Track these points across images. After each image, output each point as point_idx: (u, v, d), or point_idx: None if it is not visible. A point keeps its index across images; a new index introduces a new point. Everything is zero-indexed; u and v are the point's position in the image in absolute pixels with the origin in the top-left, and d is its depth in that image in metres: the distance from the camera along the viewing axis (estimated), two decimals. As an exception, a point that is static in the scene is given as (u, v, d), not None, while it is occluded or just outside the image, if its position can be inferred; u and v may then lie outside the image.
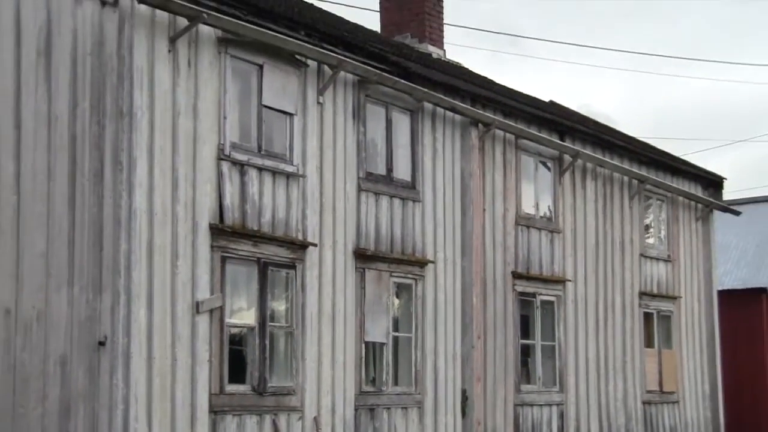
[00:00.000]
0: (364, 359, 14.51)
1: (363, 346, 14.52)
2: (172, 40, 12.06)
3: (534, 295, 18.02)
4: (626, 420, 20.06)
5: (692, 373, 22.36)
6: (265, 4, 13.47)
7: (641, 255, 20.97)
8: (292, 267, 13.49)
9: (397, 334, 15.25)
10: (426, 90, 15.63)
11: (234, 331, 12.78)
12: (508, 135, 17.58)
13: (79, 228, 11.60)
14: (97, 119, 11.62)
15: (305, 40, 13.68)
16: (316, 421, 13.59)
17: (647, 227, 21.42)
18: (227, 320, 12.53)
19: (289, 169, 13.54)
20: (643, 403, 20.61)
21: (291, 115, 13.66)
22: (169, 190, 11.91)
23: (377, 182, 15.04)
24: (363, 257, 14.59)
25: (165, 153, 11.89)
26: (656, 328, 21.24)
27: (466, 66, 20.60)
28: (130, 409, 11.25)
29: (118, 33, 11.58)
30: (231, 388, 12.49)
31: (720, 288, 23.92)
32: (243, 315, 12.95)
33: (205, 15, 12.11)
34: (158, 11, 11.87)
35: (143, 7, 11.68)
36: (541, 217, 18.41)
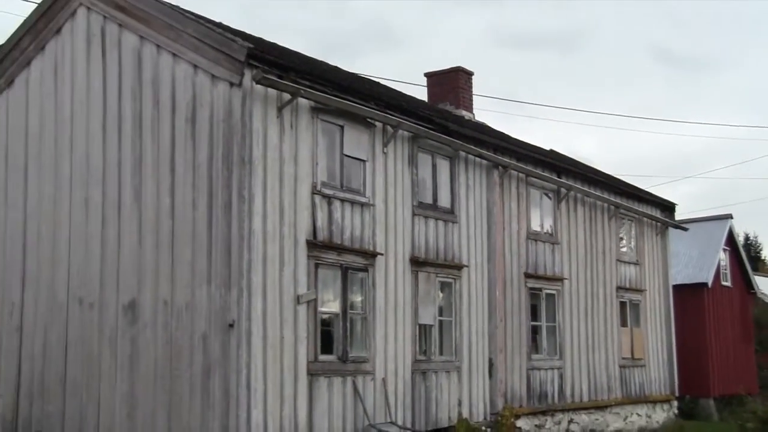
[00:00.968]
0: (417, 336, 14.25)
1: (417, 327, 14.25)
2: (280, 109, 11.96)
3: (540, 289, 17.68)
4: (608, 379, 19.63)
5: (654, 344, 21.87)
6: (345, 83, 13.36)
7: (617, 260, 20.55)
8: (366, 270, 13.28)
9: (441, 318, 14.96)
10: (461, 142, 15.42)
11: (324, 316, 12.60)
12: (520, 174, 17.28)
13: (214, 243, 11.51)
14: (227, 166, 11.53)
15: (374, 107, 13.53)
16: (384, 381, 13.34)
17: (621, 239, 21.00)
18: (319, 309, 12.36)
19: (363, 200, 13.35)
20: (620, 366, 20.16)
21: (364, 161, 13.49)
22: (278, 216, 11.79)
23: (426, 209, 14.79)
24: (416, 263, 14.34)
25: (274, 190, 11.77)
26: (629, 312, 20.83)
27: (489, 125, 20.36)
28: (251, 373, 11.14)
29: (241, 105, 11.51)
30: (322, 357, 12.30)
31: (674, 283, 23.57)
32: (330, 305, 12.77)
33: (302, 91, 12.01)
34: (269, 89, 11.80)
35: (259, 87, 11.61)
36: (545, 233, 18.08)
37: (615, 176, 22.34)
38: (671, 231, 23.39)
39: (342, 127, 13.11)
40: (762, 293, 33.52)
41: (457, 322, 15.23)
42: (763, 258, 58.48)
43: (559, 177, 18.51)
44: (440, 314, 14.95)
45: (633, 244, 21.45)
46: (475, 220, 15.99)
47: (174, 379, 11.69)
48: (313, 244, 12.28)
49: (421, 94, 20.03)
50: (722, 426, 22.34)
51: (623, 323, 20.55)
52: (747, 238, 58.27)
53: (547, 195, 18.31)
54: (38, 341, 13.49)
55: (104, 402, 12.41)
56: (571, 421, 18.12)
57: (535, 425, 16.98)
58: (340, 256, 12.76)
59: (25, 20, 14.19)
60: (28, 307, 13.74)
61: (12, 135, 14.38)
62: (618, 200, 20.60)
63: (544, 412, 17.29)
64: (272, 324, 11.50)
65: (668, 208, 23.31)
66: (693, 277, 26.24)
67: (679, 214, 24.59)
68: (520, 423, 16.25)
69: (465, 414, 15.00)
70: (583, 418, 18.59)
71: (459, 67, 19.85)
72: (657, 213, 22.68)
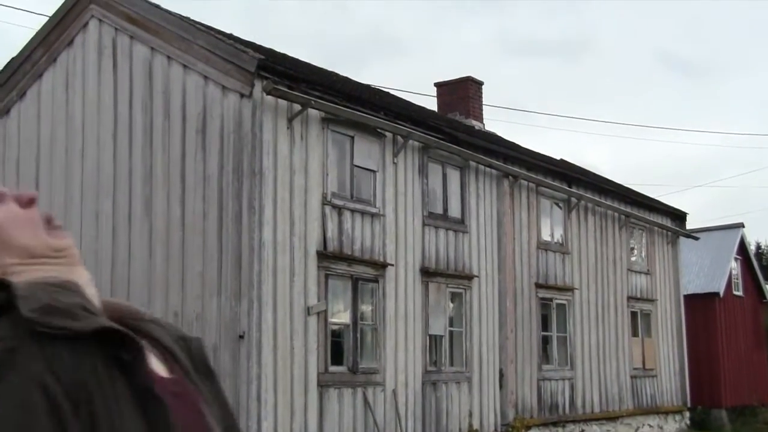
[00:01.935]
0: (428, 347, 14.20)
1: (427, 337, 14.21)
2: (290, 120, 11.96)
3: (551, 299, 17.60)
4: (618, 389, 19.51)
5: (666, 355, 21.74)
6: (355, 93, 13.35)
7: (628, 269, 20.44)
8: (376, 281, 13.25)
9: (452, 328, 14.91)
10: (471, 152, 15.39)
11: (334, 327, 12.58)
12: (530, 184, 17.24)
13: (225, 254, 11.51)
14: (237, 177, 11.54)
15: (384, 118, 13.52)
16: (394, 392, 13.30)
17: (632, 249, 20.91)
18: (330, 319, 12.34)
19: (373, 210, 13.33)
20: (631, 377, 20.03)
21: (374, 172, 13.48)
22: (288, 227, 11.79)
23: (437, 219, 14.77)
24: (427, 273, 14.31)
25: (285, 200, 11.77)
26: (640, 322, 20.71)
27: (499, 134, 20.32)
28: (261, 384, 11.12)
29: (252, 116, 11.52)
30: (333, 368, 12.27)
31: (685, 293, 23.43)
32: (341, 315, 12.75)
33: (312, 102, 12.01)
34: (280, 100, 11.81)
35: (270, 98, 11.62)
36: (555, 243, 18.01)
37: (625, 185, 22.28)
38: (682, 240, 23.28)
39: (352, 138, 13.10)
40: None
41: (468, 333, 15.18)
42: (774, 267, 58.18)
43: (569, 186, 18.45)
44: (451, 325, 14.91)
45: (644, 253, 21.35)
46: (486, 230, 15.94)
47: (184, 391, 11.67)
48: (324, 255, 12.26)
49: (430, 104, 20.06)
50: (735, 437, 22.19)
51: (634, 333, 20.44)
52: (758, 247, 58.00)
53: (557, 204, 18.26)
54: (49, 352, 13.51)
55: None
56: (582, 432, 18.03)
57: (546, 436, 16.90)
58: (350, 267, 12.73)
59: (37, 33, 14.27)
60: (39, 318, 13.76)
61: (24, 147, 14.44)
62: (629, 209, 20.51)
63: (555, 423, 17.20)
64: (282, 335, 11.48)
65: (679, 217, 23.20)
66: (704, 287, 26.09)
67: (690, 223, 24.52)
68: (531, 434, 16.17)
69: (476, 425, 14.93)
70: (594, 429, 18.49)
71: (469, 76, 19.84)
72: (668, 222, 22.58)
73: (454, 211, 15.27)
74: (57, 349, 1.03)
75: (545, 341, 17.41)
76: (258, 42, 14.42)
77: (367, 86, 16.87)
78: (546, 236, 17.71)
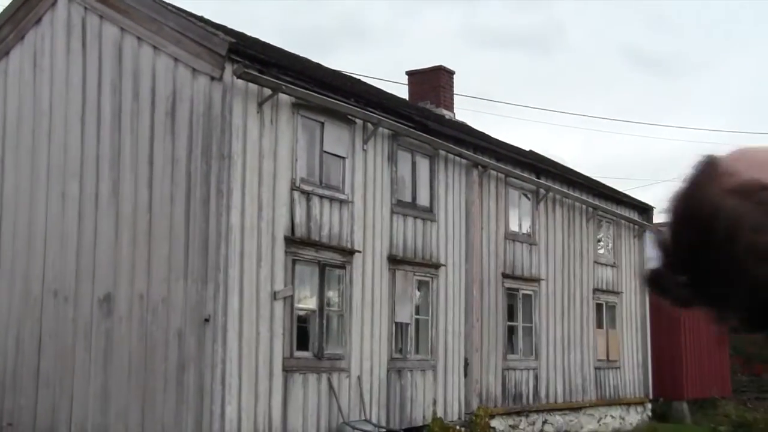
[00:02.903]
0: (394, 334, 14.32)
1: (393, 325, 14.33)
2: (260, 105, 11.98)
3: (517, 290, 17.78)
4: (582, 380, 19.77)
5: (629, 347, 22.05)
6: (326, 79, 13.39)
7: (594, 262, 20.68)
8: (343, 267, 13.33)
9: (418, 316, 15.05)
10: (440, 141, 15.48)
11: (300, 313, 12.65)
12: (499, 174, 17.38)
13: (192, 238, 11.52)
14: (206, 160, 11.55)
15: (355, 105, 13.57)
16: (359, 379, 13.41)
17: (599, 241, 21.17)
18: (296, 305, 12.41)
19: (342, 197, 13.40)
20: (595, 368, 20.30)
21: (343, 158, 13.54)
22: (256, 211, 11.82)
23: (405, 207, 14.86)
24: (394, 261, 14.41)
25: (253, 185, 11.80)
26: (605, 314, 20.96)
27: (469, 124, 20.43)
28: (226, 368, 11.16)
29: (222, 100, 11.52)
30: (298, 353, 12.35)
31: (650, 286, 23.68)
32: (307, 301, 12.82)
33: (283, 87, 12.03)
34: (250, 84, 11.81)
35: (240, 81, 11.62)
36: (523, 234, 18.18)
37: (593, 178, 22.50)
38: (648, 233, 23.58)
39: (322, 124, 13.15)
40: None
41: (434, 321, 15.32)
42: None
43: (538, 178, 18.63)
44: (417, 313, 15.04)
45: (610, 246, 21.62)
46: (454, 220, 16.07)
47: (148, 374, 11.69)
48: (291, 240, 12.32)
49: (401, 92, 20.12)
50: (695, 428, 22.58)
51: (599, 325, 20.71)
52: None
53: (525, 195, 18.43)
54: (11, 334, 13.44)
55: (77, 396, 12.39)
56: (545, 422, 18.27)
57: (510, 425, 17.11)
58: (317, 253, 12.80)
59: (4, 9, 14.12)
60: (2, 300, 13.68)
61: (-12, 125, 14.29)
62: (596, 202, 20.75)
63: (518, 413, 17.42)
64: (248, 320, 11.53)
65: (646, 210, 23.49)
66: (669, 281, 26.46)
67: (657, 217, 24.82)
68: (494, 423, 16.36)
69: (440, 413, 15.09)
70: (558, 419, 18.75)
71: (440, 66, 19.92)
72: (635, 215, 22.87)
73: (423, 199, 15.38)
74: None
75: (511, 331, 17.60)
76: (229, 26, 14.38)
77: (339, 73, 16.90)
78: (514, 227, 17.88)
